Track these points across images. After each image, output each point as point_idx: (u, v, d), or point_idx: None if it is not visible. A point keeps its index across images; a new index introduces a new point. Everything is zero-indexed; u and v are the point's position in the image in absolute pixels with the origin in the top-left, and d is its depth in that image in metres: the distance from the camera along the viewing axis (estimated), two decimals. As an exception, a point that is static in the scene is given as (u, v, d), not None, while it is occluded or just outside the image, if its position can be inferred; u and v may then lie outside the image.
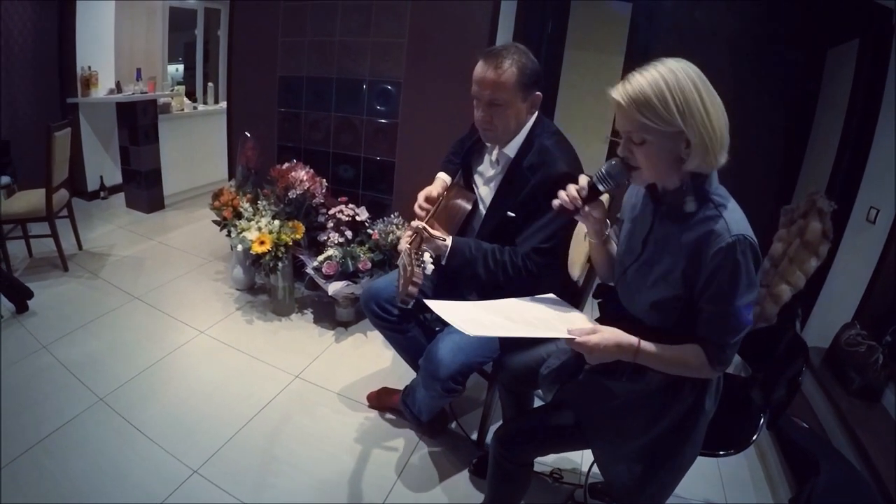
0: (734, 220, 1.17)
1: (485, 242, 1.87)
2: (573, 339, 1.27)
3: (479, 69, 1.76)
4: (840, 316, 2.77)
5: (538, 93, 1.83)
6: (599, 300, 1.62)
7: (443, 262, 1.83)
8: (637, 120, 1.16)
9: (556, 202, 1.38)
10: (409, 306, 1.65)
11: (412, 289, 1.51)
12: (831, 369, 2.63)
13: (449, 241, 1.82)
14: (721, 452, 1.67)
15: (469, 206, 1.97)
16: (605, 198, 1.93)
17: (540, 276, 1.83)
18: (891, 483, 1.95)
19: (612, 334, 1.27)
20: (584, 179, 1.37)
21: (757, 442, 1.74)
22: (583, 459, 2.34)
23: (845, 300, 2.82)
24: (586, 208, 1.38)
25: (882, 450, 2.13)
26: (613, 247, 1.54)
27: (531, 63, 1.76)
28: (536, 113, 1.89)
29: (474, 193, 2.02)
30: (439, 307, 1.40)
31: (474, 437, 2.42)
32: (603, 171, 1.30)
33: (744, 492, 2.32)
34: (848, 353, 2.53)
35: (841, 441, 2.32)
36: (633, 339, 1.26)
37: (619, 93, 1.18)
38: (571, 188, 1.36)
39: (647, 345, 1.26)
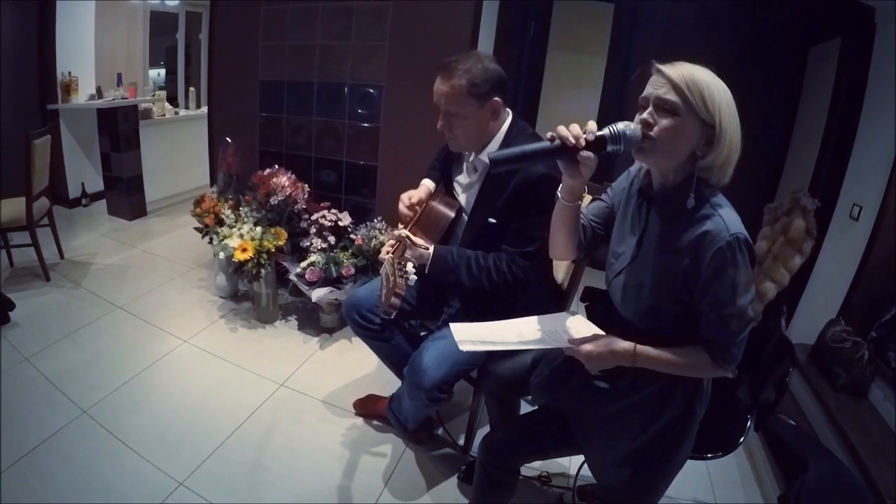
0: (731, 219, 1.16)
1: (467, 249, 1.86)
2: (569, 346, 1.28)
3: (436, 82, 1.78)
4: (825, 313, 2.79)
5: (496, 98, 1.80)
6: (587, 304, 1.61)
7: (426, 271, 1.82)
8: (681, 92, 1.13)
9: (550, 134, 1.20)
10: (392, 317, 1.64)
11: (395, 300, 1.51)
12: (817, 366, 2.64)
13: (431, 249, 1.82)
14: (709, 455, 1.67)
15: (452, 214, 1.96)
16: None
17: (525, 279, 1.82)
18: (879, 478, 1.96)
19: (605, 341, 1.27)
20: (593, 125, 1.19)
21: (745, 440, 1.74)
22: (571, 463, 2.33)
23: (830, 297, 2.84)
24: (584, 154, 1.18)
25: (869, 445, 2.14)
26: (579, 223, 1.43)
27: (483, 70, 1.74)
28: (511, 116, 1.88)
29: (457, 200, 2.01)
30: (455, 328, 1.40)
31: (461, 442, 2.41)
32: (618, 128, 1.16)
33: (733, 490, 2.33)
34: (833, 350, 2.54)
35: (828, 437, 2.33)
36: (627, 345, 1.26)
37: (668, 67, 1.15)
38: (575, 127, 1.18)
39: (643, 348, 1.25)
